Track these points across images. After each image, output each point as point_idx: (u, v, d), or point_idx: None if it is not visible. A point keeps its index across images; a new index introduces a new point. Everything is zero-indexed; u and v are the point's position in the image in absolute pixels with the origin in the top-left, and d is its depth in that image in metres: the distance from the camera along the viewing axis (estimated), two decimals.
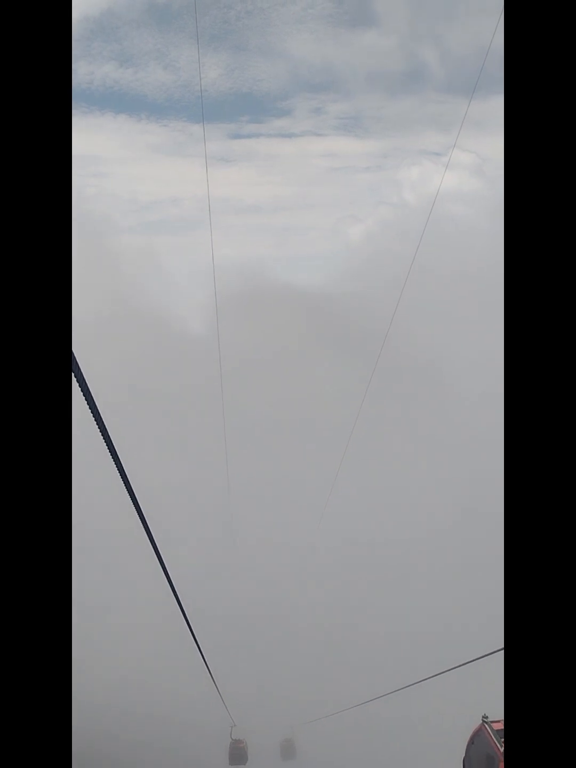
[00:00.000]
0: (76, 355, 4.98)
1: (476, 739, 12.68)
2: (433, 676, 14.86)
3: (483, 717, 12.47)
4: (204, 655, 17.53)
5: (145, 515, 9.08)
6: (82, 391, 5.88)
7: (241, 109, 78.24)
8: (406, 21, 74.16)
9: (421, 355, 47.88)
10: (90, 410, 6.26)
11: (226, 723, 29.75)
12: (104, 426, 5.97)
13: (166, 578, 11.77)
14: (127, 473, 7.28)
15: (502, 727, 12.11)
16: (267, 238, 60.37)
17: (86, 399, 5.83)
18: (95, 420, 6.13)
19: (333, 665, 37.30)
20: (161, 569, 11.32)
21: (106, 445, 6.19)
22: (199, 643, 15.49)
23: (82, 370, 5.54)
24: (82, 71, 74.47)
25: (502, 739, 11.69)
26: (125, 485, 8.06)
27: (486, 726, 12.38)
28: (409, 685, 17.15)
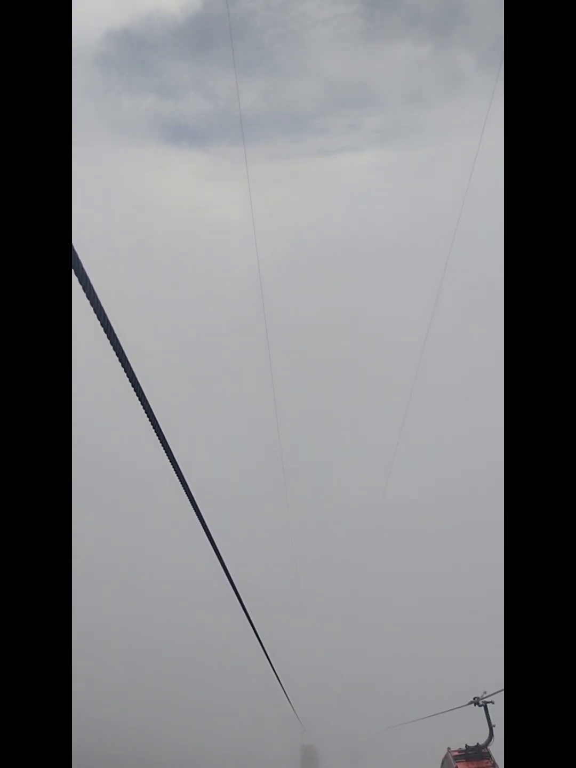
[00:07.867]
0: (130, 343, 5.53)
1: (445, 764, 15.50)
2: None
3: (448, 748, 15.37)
4: (271, 662, 17.76)
5: (200, 509, 9.41)
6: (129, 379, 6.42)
7: (280, 131, 79.59)
8: (437, 28, 74.38)
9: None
10: (137, 395, 6.76)
11: (295, 729, 29.83)
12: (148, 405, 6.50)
13: (230, 585, 11.98)
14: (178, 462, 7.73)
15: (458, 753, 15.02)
16: (311, 248, 61.74)
17: (136, 389, 6.37)
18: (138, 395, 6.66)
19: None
20: (225, 575, 11.57)
21: (151, 422, 6.72)
22: (264, 647, 15.75)
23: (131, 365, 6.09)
24: (126, 106, 76.88)
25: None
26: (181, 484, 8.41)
27: (450, 753, 15.13)
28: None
